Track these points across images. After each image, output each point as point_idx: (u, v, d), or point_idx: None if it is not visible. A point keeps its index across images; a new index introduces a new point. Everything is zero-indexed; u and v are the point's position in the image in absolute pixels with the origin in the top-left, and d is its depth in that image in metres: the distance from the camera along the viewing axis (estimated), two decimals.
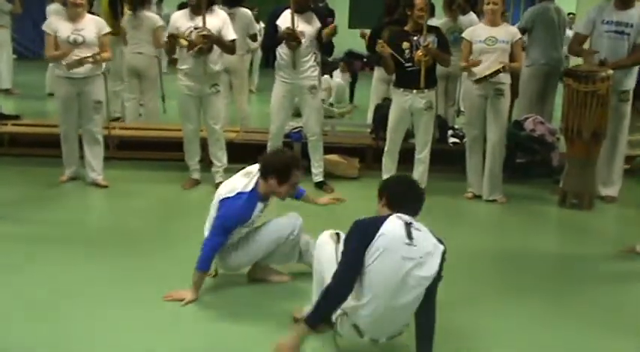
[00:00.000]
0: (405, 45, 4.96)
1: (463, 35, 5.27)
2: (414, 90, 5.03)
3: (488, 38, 5.03)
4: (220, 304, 3.32)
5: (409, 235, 2.61)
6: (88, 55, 4.99)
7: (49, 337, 2.93)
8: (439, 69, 5.99)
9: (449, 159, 5.91)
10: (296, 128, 5.93)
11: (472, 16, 6.85)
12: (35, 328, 3.00)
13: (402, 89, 5.11)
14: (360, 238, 2.62)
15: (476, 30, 5.19)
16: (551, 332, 3.14)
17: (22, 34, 11.96)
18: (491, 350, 2.95)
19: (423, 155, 5.28)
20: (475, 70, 5.07)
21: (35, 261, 3.80)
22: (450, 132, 6.23)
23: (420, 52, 4.85)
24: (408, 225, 2.64)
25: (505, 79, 5.10)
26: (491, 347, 2.98)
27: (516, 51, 5.07)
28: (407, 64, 4.99)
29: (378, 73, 6.83)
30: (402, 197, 2.85)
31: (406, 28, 5.05)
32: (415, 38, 4.94)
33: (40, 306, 3.22)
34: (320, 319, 2.68)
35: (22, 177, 5.56)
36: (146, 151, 6.19)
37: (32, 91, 9.90)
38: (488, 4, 5.05)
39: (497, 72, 4.94)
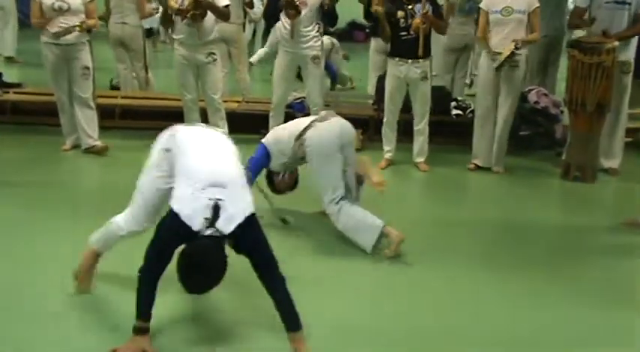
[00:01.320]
0: (400, 14, 4.91)
1: (480, 5, 5.22)
2: (409, 60, 5.00)
3: (504, 8, 4.96)
4: None
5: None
6: (75, 22, 4.97)
7: (34, 301, 2.94)
8: (454, 40, 5.97)
9: (452, 131, 5.89)
10: (298, 98, 5.91)
11: None
12: (23, 292, 3.02)
13: (397, 58, 5.07)
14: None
15: None
16: (548, 302, 3.16)
17: (23, 2, 11.85)
18: (490, 320, 2.98)
19: (421, 126, 5.26)
20: (491, 44, 5.03)
21: (22, 224, 3.82)
22: (453, 103, 6.19)
23: (417, 20, 4.81)
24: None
25: (521, 50, 5.04)
26: (490, 317, 3.01)
27: (534, 21, 5.00)
28: (402, 33, 4.95)
29: (374, 43, 6.79)
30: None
31: None
32: (410, 7, 4.89)
33: (24, 266, 3.26)
34: None
35: (23, 144, 5.56)
36: (149, 120, 6.16)
37: (34, 59, 9.83)
38: None
39: (512, 54, 4.88)
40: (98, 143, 5.34)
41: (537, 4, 5.01)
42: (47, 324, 2.75)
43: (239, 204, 2.49)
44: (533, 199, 4.82)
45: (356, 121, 5.96)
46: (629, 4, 4.97)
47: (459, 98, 6.34)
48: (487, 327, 2.91)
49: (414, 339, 2.78)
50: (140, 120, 6.18)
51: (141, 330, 2.51)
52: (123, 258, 2.94)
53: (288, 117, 5.68)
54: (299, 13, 4.99)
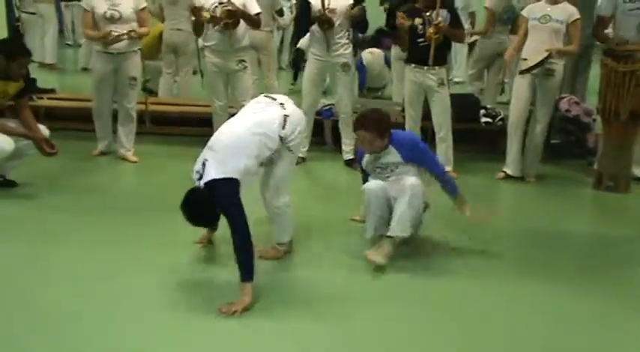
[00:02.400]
0: (418, 21, 4.91)
1: (522, 12, 5.26)
2: (425, 67, 4.99)
3: (543, 16, 4.97)
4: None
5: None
6: (125, 31, 5.01)
7: (70, 299, 3.00)
8: (488, 48, 5.90)
9: (481, 139, 5.84)
10: (327, 105, 5.92)
11: None
12: (57, 292, 3.08)
13: (413, 65, 5.08)
14: None
15: (536, 7, 5.14)
16: (579, 313, 3.11)
17: (59, 10, 12.13)
18: (519, 329, 2.94)
19: (443, 134, 5.22)
20: (524, 53, 5.03)
21: (59, 229, 3.87)
22: (482, 111, 6.14)
23: (431, 30, 4.79)
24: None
25: (558, 60, 5.00)
26: (519, 326, 2.97)
27: (572, 32, 4.97)
28: (419, 40, 4.94)
29: (395, 50, 6.80)
30: None
31: (417, 4, 4.99)
32: (427, 14, 4.88)
33: (70, 276, 3.31)
34: None
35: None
36: (180, 127, 6.24)
37: (67, 65, 10.07)
38: None
39: (541, 62, 4.84)
40: (130, 153, 5.39)
41: (578, 16, 4.96)
42: (66, 328, 2.80)
43: (219, 167, 3.00)
44: (564, 209, 4.74)
45: None
46: None
47: (489, 106, 6.28)
48: (516, 337, 2.87)
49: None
50: (170, 126, 6.26)
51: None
52: None
53: (317, 124, 5.73)
54: (332, 25, 5.01)
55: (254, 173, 3.23)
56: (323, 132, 5.97)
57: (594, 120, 5.74)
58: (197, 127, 6.08)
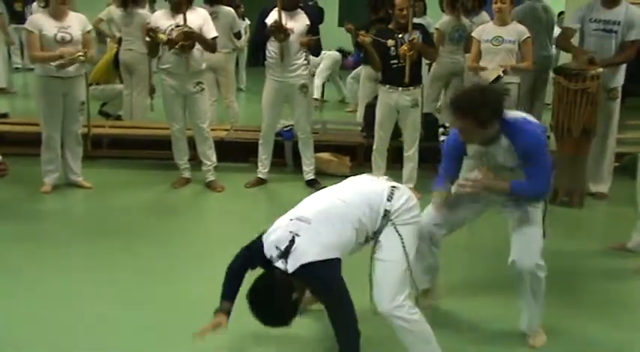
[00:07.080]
0: (390, 42, 4.96)
1: (473, 34, 5.36)
2: (400, 88, 5.04)
3: (494, 37, 5.10)
4: None
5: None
6: (79, 53, 4.82)
7: (38, 336, 2.92)
8: (443, 68, 6.00)
9: (439, 157, 5.89)
10: (287, 126, 5.92)
11: (485, 16, 6.80)
12: (27, 328, 2.98)
13: (387, 86, 5.11)
14: None
15: (485, 29, 5.27)
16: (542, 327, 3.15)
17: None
18: (482, 343, 2.96)
19: (411, 152, 5.29)
20: (481, 72, 5.14)
21: (24, 261, 3.78)
22: (440, 130, 6.23)
23: (405, 47, 4.86)
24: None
25: (512, 78, 5.12)
26: (482, 340, 2.98)
27: (525, 50, 5.13)
28: (392, 61, 5.00)
29: (365, 71, 6.84)
30: None
31: (390, 26, 5.06)
32: (400, 35, 4.95)
33: (30, 307, 3.21)
34: None
35: (9, 175, 5.49)
36: (138, 150, 6.16)
37: (21, 90, 9.87)
38: (496, 2, 5.14)
39: (497, 78, 4.96)
40: (81, 179, 5.27)
41: (528, 34, 5.14)
42: None
43: (317, 243, 2.43)
44: None
45: (344, 148, 6.05)
46: (616, 32, 5.05)
47: (447, 124, 6.37)
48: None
49: None
50: (128, 150, 6.17)
51: (221, 310, 2.58)
52: None
53: (278, 145, 5.72)
54: (287, 36, 5.02)
55: (353, 251, 2.63)
56: (284, 153, 5.97)
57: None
58: (156, 150, 6.02)
